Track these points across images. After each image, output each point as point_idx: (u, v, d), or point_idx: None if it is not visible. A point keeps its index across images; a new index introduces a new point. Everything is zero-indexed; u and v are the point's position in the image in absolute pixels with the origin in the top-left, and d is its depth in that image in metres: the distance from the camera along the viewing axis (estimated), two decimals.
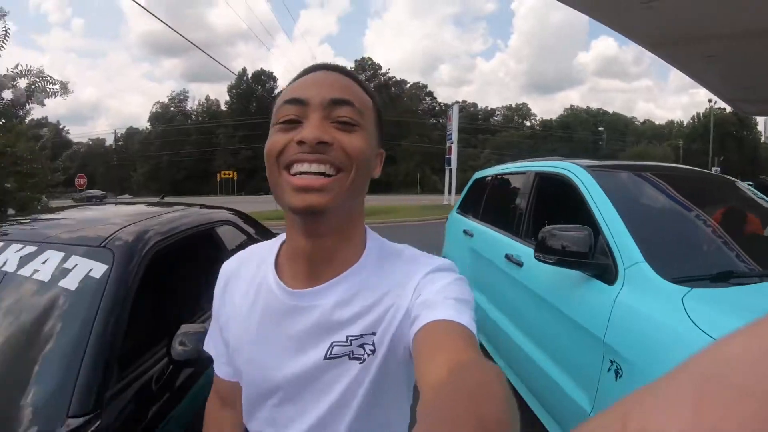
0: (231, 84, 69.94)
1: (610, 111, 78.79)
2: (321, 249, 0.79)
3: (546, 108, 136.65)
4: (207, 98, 76.83)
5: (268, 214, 12.26)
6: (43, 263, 1.63)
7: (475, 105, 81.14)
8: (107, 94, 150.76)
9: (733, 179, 3.31)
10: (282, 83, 77.30)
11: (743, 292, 1.89)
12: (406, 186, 62.49)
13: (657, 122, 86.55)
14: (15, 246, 1.72)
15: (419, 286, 0.76)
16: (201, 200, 4.69)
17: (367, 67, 72.62)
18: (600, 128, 71.25)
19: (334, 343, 0.77)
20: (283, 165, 0.74)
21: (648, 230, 2.28)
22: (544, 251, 2.31)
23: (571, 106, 78.97)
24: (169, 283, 2.23)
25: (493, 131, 72.96)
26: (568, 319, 2.34)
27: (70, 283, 1.58)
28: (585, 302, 2.26)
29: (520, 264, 2.97)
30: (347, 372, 0.77)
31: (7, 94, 6.40)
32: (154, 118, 75.50)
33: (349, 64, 73.22)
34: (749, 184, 3.66)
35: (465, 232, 4.41)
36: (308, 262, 0.80)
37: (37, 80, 6.70)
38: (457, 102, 54.49)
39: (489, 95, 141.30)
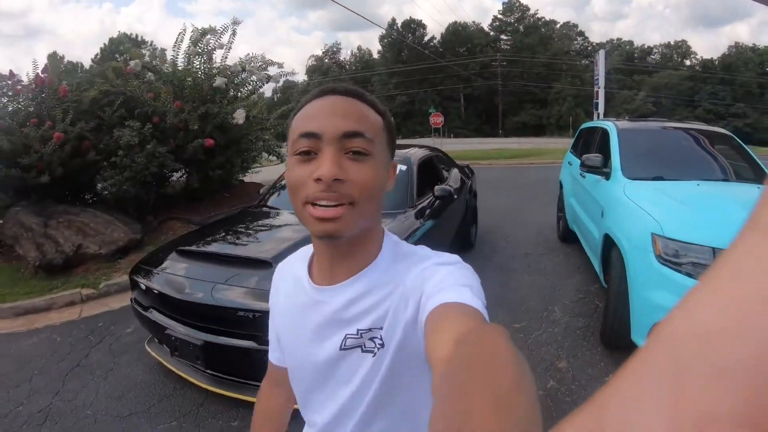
0: (382, 34, 72.76)
1: None
2: (338, 253, 0.90)
3: (711, 43, 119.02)
4: (359, 48, 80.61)
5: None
6: None
7: (630, 43, 76.29)
8: (259, 50, 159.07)
9: (729, 134, 5.55)
10: (432, 29, 77.93)
11: (656, 184, 4.26)
12: (559, 129, 61.49)
13: None
14: None
15: (423, 277, 0.84)
16: None
17: (515, 9, 71.85)
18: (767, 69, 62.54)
19: (347, 336, 0.88)
20: (304, 200, 0.83)
21: (630, 157, 4.69)
22: (583, 166, 4.90)
23: (736, 43, 68.89)
24: (426, 172, 5.08)
25: (650, 72, 67.80)
26: (593, 198, 4.89)
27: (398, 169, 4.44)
28: (599, 189, 4.79)
29: (584, 176, 5.41)
30: (362, 364, 0.88)
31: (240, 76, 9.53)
32: (310, 70, 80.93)
33: (497, 6, 72.76)
34: None
35: (569, 163, 6.86)
36: (328, 263, 0.92)
37: (262, 64, 9.84)
38: (603, 47, 53.07)
39: (647, 30, 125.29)
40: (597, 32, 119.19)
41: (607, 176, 4.72)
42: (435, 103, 55.00)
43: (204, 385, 3.35)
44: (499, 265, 6.24)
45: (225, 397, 3.33)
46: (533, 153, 25.17)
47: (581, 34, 74.88)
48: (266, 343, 1.19)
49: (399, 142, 1.22)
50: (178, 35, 9.22)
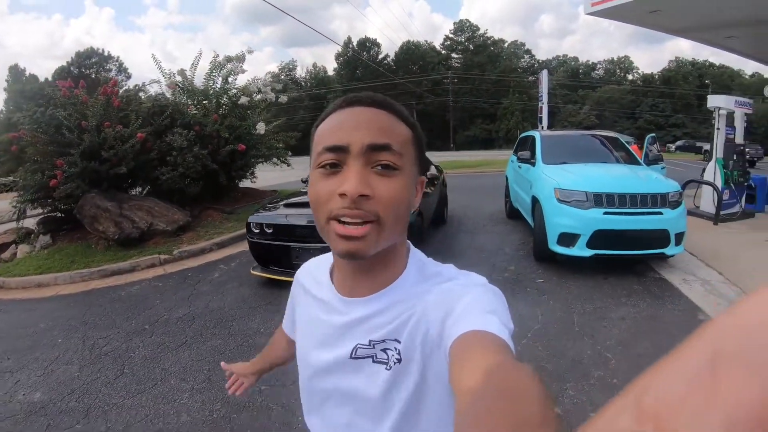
0: (338, 52, 74.86)
1: (717, 63, 72.98)
2: (360, 270, 0.87)
3: (655, 58, 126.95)
4: (314, 65, 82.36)
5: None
6: None
7: (576, 59, 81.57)
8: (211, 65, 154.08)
9: (616, 136, 8.36)
10: (385, 47, 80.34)
11: (562, 167, 6.98)
12: (507, 142, 63.39)
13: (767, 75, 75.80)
14: None
15: (450, 297, 0.80)
16: None
17: (465, 28, 75.55)
18: (706, 81, 66.97)
19: (358, 345, 0.86)
20: (329, 216, 0.79)
21: (548, 152, 7.45)
22: (519, 159, 7.76)
23: (676, 58, 75.24)
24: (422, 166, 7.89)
25: (594, 87, 72.73)
26: (525, 179, 7.61)
27: None
28: (529, 172, 7.52)
29: (520, 167, 8.11)
30: (376, 376, 0.84)
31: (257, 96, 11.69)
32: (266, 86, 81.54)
33: (447, 24, 75.72)
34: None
35: (512, 161, 9.57)
36: (350, 278, 0.89)
37: (266, 84, 12.14)
38: (549, 64, 56.40)
39: (592, 47, 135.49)
40: (544, 49, 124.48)
41: (534, 164, 7.49)
42: None
43: None
44: (465, 230, 9.03)
45: None
46: (484, 163, 28.22)
47: (528, 52, 79.30)
48: None
49: None
50: (195, 58, 11.59)
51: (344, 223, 0.78)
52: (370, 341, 0.86)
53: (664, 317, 5.02)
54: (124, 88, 11.45)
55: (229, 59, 11.52)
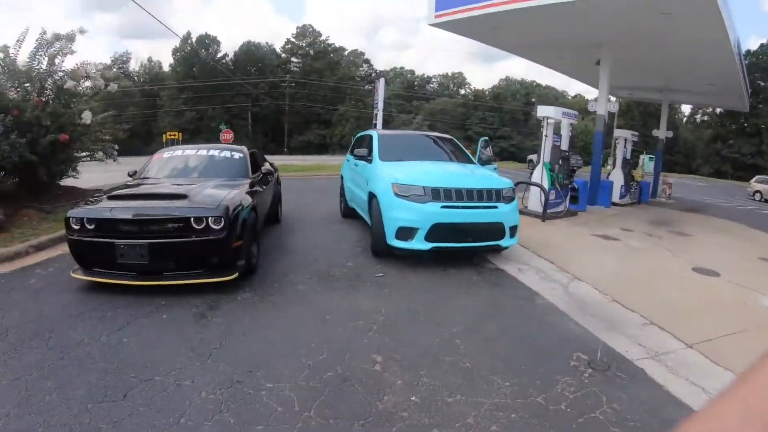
0: (175, 47, 71.15)
1: (544, 84, 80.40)
2: None
3: (487, 76, 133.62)
4: (149, 59, 77.54)
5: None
6: (224, 152, 7.00)
7: (412, 72, 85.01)
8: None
9: (451, 137, 8.83)
10: (226, 48, 78.00)
11: (399, 163, 7.19)
12: (341, 148, 64.61)
13: (588, 97, 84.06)
14: (212, 150, 6.95)
15: None
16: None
17: (307, 33, 75.41)
18: (533, 99, 71.47)
19: None
20: None
21: (385, 149, 7.62)
22: (356, 157, 7.90)
23: (506, 77, 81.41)
24: (253, 159, 7.45)
25: (428, 99, 76.42)
26: (362, 176, 7.75)
27: (237, 156, 6.95)
28: (366, 169, 7.65)
29: (356, 165, 8.27)
30: None
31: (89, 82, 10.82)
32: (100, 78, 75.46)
33: (291, 29, 75.05)
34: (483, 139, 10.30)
35: (348, 160, 9.66)
36: None
37: (96, 71, 11.18)
38: (387, 74, 58.47)
39: (430, 61, 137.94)
40: (383, 60, 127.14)
41: (370, 161, 7.61)
42: (224, 120, 55.42)
43: (133, 282, 5.06)
44: (300, 228, 8.97)
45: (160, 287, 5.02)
46: (317, 167, 28.48)
47: (367, 61, 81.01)
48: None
49: None
50: (21, 34, 10.10)
51: None
52: None
53: (504, 303, 5.41)
54: None
55: (57, 37, 10.34)
